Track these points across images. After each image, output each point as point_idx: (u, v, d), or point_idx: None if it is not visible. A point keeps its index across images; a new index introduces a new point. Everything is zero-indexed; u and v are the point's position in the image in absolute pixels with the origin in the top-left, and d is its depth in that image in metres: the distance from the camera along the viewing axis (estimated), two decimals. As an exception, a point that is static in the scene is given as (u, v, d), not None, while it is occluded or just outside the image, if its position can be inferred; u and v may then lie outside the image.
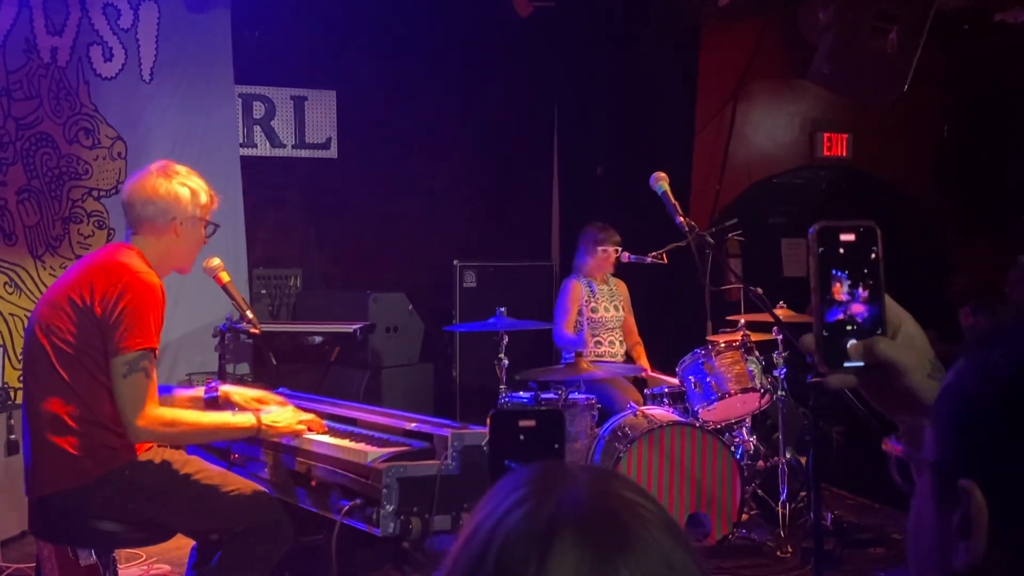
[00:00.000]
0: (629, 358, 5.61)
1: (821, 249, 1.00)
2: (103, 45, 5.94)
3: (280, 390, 3.84)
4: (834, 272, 1.00)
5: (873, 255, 1.00)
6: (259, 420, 3.07)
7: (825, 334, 0.99)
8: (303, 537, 3.19)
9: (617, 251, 5.45)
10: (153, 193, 3.07)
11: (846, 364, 0.99)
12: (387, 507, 2.64)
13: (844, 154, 7.67)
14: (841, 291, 0.99)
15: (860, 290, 0.99)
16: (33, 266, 5.72)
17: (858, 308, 0.99)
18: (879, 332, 0.99)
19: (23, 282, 5.68)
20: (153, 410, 2.91)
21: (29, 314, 3.32)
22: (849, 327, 0.99)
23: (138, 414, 2.87)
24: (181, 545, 3.58)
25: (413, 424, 3.03)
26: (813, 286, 1.00)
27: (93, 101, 5.92)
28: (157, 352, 2.95)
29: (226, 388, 3.32)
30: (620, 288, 5.66)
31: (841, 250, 1.00)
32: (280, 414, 3.14)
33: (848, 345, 0.99)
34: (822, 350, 0.99)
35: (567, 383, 4.90)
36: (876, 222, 1.02)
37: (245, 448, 3.32)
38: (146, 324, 2.89)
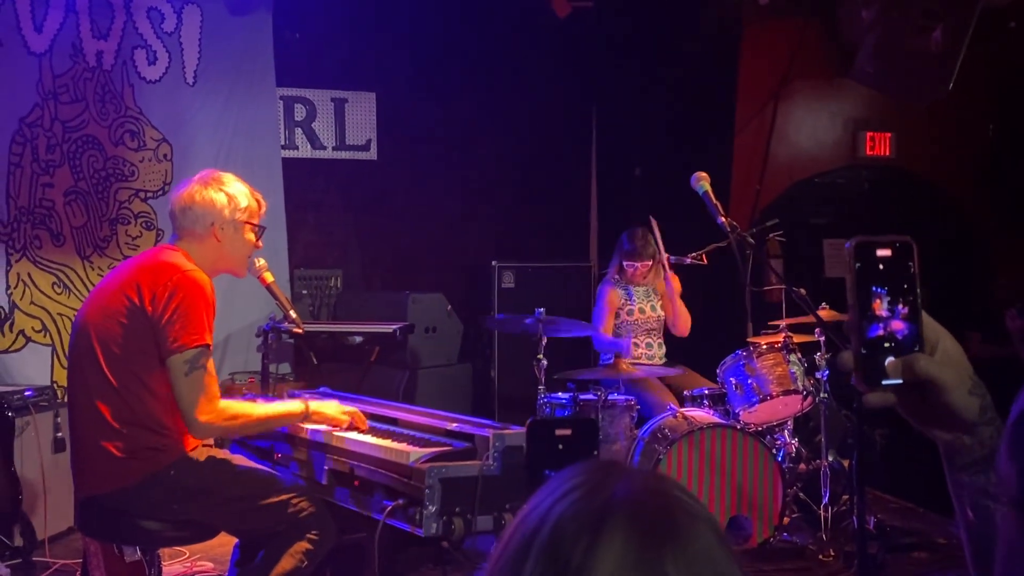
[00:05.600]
0: (669, 360, 5.56)
1: (858, 264, 0.98)
2: (147, 48, 6.03)
3: (321, 389, 3.88)
4: (873, 288, 0.98)
5: (911, 270, 0.98)
6: (307, 406, 3.16)
7: (864, 351, 0.97)
8: (345, 535, 3.21)
9: (645, 266, 5.37)
10: (190, 200, 3.13)
11: (884, 382, 0.97)
12: (430, 508, 2.65)
13: (887, 153, 7.57)
14: (881, 307, 0.97)
15: (900, 306, 0.97)
16: (81, 266, 5.82)
17: (897, 325, 0.97)
18: (917, 349, 0.97)
19: (71, 282, 5.78)
20: (215, 405, 2.95)
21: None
22: (887, 344, 0.97)
23: (202, 410, 2.92)
24: (224, 543, 3.62)
25: (454, 424, 3.04)
26: (851, 302, 0.98)
27: (138, 104, 6.01)
28: (211, 348, 2.99)
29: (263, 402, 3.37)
30: (659, 286, 5.61)
31: (880, 266, 0.98)
32: (326, 405, 3.22)
33: (886, 363, 0.97)
34: (860, 368, 0.97)
35: (606, 384, 4.89)
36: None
37: (288, 448, 3.35)
38: (199, 321, 2.92)
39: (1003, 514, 0.87)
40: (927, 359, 0.97)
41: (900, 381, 0.97)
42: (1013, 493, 0.85)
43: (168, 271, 2.98)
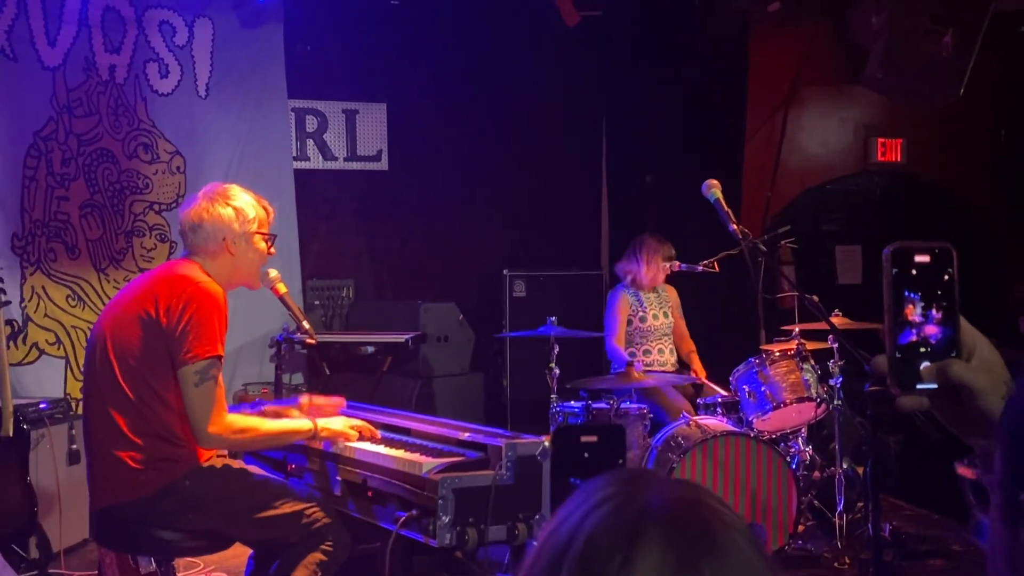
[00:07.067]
0: (680, 366, 5.56)
1: (895, 270, 0.99)
2: (159, 62, 6.07)
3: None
4: (907, 293, 0.98)
5: (947, 276, 0.99)
6: (315, 424, 3.16)
7: (898, 356, 0.98)
8: (359, 545, 3.21)
9: (667, 268, 5.37)
10: (198, 219, 3.15)
11: (919, 386, 0.98)
12: (443, 518, 2.65)
13: (899, 159, 7.55)
14: (914, 312, 0.98)
15: (934, 311, 0.98)
16: (97, 279, 5.85)
17: (932, 329, 0.98)
18: (953, 354, 0.98)
19: (87, 295, 5.81)
20: (224, 417, 2.97)
21: (91, 327, 3.40)
22: (923, 349, 0.98)
23: (211, 421, 2.93)
24: (239, 553, 3.63)
25: (466, 434, 3.04)
26: (886, 307, 0.99)
27: (151, 117, 6.04)
28: (223, 359, 3.00)
29: (273, 406, 3.38)
30: (670, 294, 5.61)
31: (915, 271, 0.99)
32: (333, 421, 3.23)
33: (921, 367, 0.97)
34: (895, 372, 0.98)
35: (618, 392, 4.88)
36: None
37: (301, 459, 3.36)
38: (212, 332, 2.94)
39: (994, 496, 0.88)
40: (961, 364, 0.97)
41: (934, 386, 0.97)
42: (997, 476, 0.86)
43: (182, 283, 3.01)
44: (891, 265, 0.99)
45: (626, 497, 0.81)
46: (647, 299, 5.47)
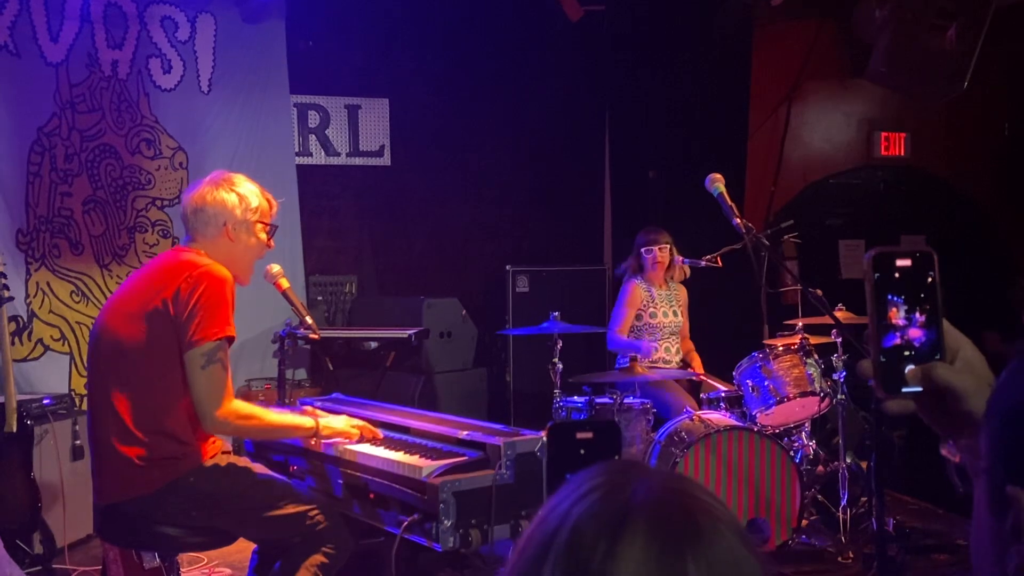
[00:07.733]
0: (684, 365, 5.55)
1: (877, 275, 1.00)
2: (162, 57, 6.07)
3: (334, 395, 3.89)
4: (890, 297, 0.99)
5: (930, 280, 1.00)
6: (317, 423, 3.16)
7: (882, 359, 0.99)
8: (363, 540, 3.21)
9: (662, 249, 5.38)
10: (201, 202, 3.12)
11: (904, 390, 0.98)
12: (445, 522, 2.64)
13: (902, 153, 7.55)
14: (898, 316, 0.99)
15: (917, 315, 0.99)
16: (100, 275, 5.86)
17: (915, 333, 0.99)
18: (937, 357, 0.98)
19: (90, 291, 5.81)
20: (230, 402, 2.94)
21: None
22: (907, 352, 0.99)
23: (217, 405, 2.91)
24: (242, 549, 3.63)
25: (465, 433, 3.02)
26: (869, 312, 1.00)
27: (153, 112, 6.05)
28: (234, 339, 2.98)
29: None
30: (680, 293, 5.60)
31: (897, 275, 1.00)
32: (335, 420, 3.22)
33: (906, 371, 0.98)
34: (879, 376, 0.99)
35: (622, 387, 4.88)
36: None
37: (303, 461, 3.36)
38: (220, 314, 2.91)
39: (979, 484, 0.88)
40: (945, 367, 0.98)
41: (919, 389, 0.98)
42: (984, 464, 0.86)
43: (187, 268, 2.98)
44: (873, 270, 1.00)
45: (612, 487, 0.82)
46: (659, 295, 5.46)
